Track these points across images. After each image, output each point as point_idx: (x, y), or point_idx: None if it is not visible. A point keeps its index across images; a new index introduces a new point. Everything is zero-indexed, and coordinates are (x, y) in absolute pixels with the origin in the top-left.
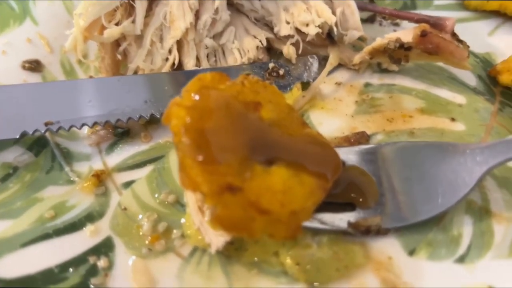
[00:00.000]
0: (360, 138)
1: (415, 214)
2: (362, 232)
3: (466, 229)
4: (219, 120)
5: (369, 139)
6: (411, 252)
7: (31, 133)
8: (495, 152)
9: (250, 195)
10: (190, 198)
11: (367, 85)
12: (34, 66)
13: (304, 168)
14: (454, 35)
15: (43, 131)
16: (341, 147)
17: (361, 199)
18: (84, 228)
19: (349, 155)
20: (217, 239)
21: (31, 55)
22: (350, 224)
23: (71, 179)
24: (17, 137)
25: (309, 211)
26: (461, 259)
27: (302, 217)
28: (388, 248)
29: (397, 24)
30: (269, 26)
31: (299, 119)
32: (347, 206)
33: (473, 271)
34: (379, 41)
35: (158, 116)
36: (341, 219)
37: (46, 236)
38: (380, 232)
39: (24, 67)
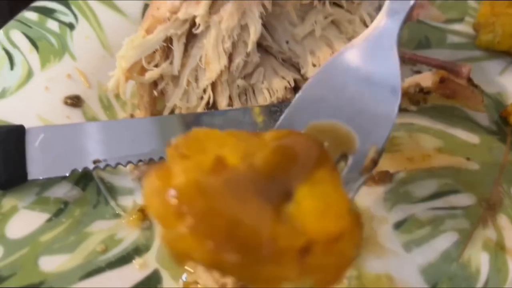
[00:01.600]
0: (384, 177)
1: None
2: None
3: (483, 265)
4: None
5: (392, 178)
6: (434, 286)
7: (80, 170)
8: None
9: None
10: (205, 277)
11: None
12: (75, 101)
13: (313, 170)
14: (469, 80)
15: (91, 169)
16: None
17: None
18: (133, 261)
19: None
20: None
21: (71, 90)
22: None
23: (117, 212)
24: (67, 174)
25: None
26: None
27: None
28: (412, 282)
29: (414, 64)
30: (296, 67)
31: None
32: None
33: None
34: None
35: None
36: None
37: (100, 270)
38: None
39: (66, 103)
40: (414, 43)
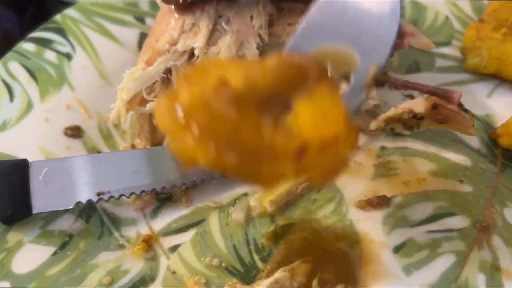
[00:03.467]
0: (382, 201)
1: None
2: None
3: (480, 285)
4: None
5: (389, 203)
6: None
7: (84, 202)
8: None
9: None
10: None
11: (382, 148)
12: (75, 132)
13: (313, 86)
14: (460, 105)
15: (95, 201)
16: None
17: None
18: None
19: None
20: None
21: (71, 121)
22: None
23: (121, 243)
24: (72, 207)
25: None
26: None
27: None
28: None
29: (397, 88)
30: None
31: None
32: None
33: None
34: (393, 111)
35: (198, 183)
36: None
37: None
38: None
39: (66, 134)
40: (405, 68)
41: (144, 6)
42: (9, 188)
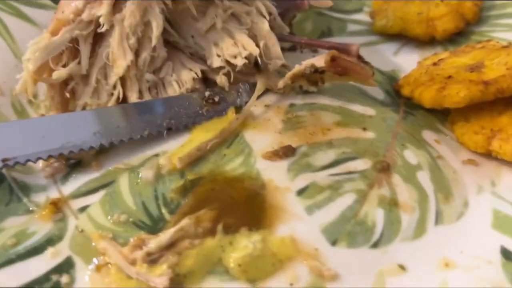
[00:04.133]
0: (287, 151)
1: None
2: None
3: (378, 219)
4: None
5: (295, 152)
6: (334, 243)
7: None
8: None
9: None
10: (115, 256)
11: (291, 105)
12: None
13: None
14: (359, 57)
15: (0, 167)
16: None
17: None
18: (45, 251)
19: None
20: (160, 279)
21: None
22: None
23: (30, 209)
24: None
25: None
26: (375, 245)
27: None
28: (315, 241)
29: (316, 51)
30: (203, 60)
31: None
32: None
33: (385, 253)
34: (297, 68)
35: (106, 146)
36: None
37: (9, 261)
38: None
39: None
40: (317, 33)
41: None
42: None
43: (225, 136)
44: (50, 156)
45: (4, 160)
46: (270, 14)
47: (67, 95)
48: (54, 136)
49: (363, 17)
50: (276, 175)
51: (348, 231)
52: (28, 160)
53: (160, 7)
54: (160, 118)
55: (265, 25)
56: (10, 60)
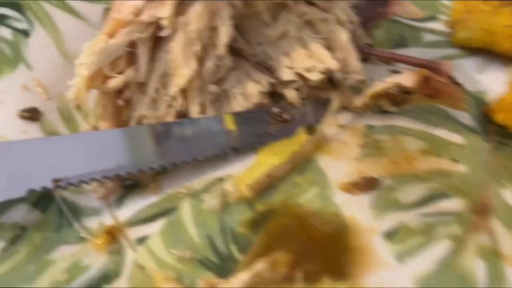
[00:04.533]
0: (369, 184)
1: None
2: None
3: (480, 273)
4: None
5: (378, 184)
6: None
7: (38, 190)
8: None
9: None
10: None
11: (369, 127)
12: (32, 115)
13: None
14: (450, 78)
15: (51, 187)
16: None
17: None
18: None
19: None
20: None
21: (28, 103)
22: None
23: (82, 236)
24: (24, 195)
25: None
26: None
27: None
28: None
29: (390, 63)
30: (269, 70)
31: None
32: None
33: None
34: (380, 86)
35: (168, 167)
36: None
37: None
38: None
39: (22, 117)
40: (391, 43)
41: None
42: None
43: (297, 161)
44: (105, 177)
45: (55, 181)
46: (350, 23)
47: (121, 103)
48: (110, 153)
49: (439, 26)
50: (358, 212)
51: (446, 285)
52: (82, 181)
53: (230, 11)
54: (222, 136)
55: (344, 36)
56: (57, 59)
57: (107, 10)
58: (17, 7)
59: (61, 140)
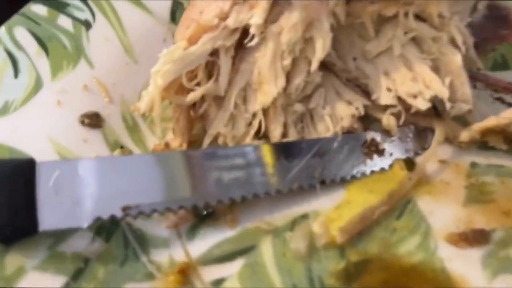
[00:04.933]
0: (479, 237)
1: None
2: None
3: None
4: None
5: (489, 238)
6: None
7: (105, 219)
8: None
9: None
10: None
11: (473, 165)
12: (93, 121)
13: None
14: None
15: (119, 217)
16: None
17: None
18: None
19: None
20: None
21: (88, 106)
22: None
23: (150, 271)
24: (90, 224)
25: None
26: None
27: None
28: None
29: (495, 90)
30: (361, 88)
31: None
32: None
33: None
34: (494, 121)
35: (250, 199)
36: None
37: None
38: None
39: (83, 123)
40: (489, 63)
41: None
42: (11, 197)
43: (395, 201)
44: (182, 207)
45: (125, 209)
46: (464, 44)
47: (195, 116)
48: (186, 179)
49: None
50: (467, 270)
51: None
52: (155, 211)
53: (331, 22)
54: (311, 167)
55: (457, 59)
56: (120, 57)
57: (176, 4)
58: None
59: (130, 160)
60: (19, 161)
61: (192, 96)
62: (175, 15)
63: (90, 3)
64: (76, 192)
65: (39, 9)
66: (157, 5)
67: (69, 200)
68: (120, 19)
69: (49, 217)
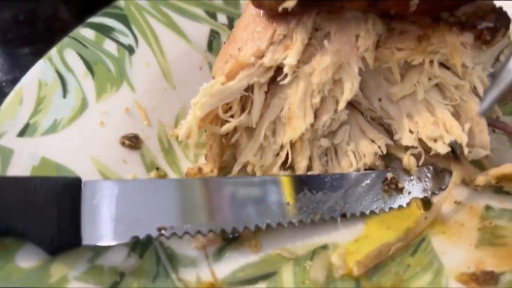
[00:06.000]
0: (488, 278)
1: None
2: None
3: None
4: None
5: (497, 280)
6: None
7: (142, 238)
8: None
9: None
10: None
11: (488, 208)
12: (133, 143)
13: None
14: None
15: (154, 236)
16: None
17: None
18: None
19: None
20: None
21: (128, 128)
22: None
23: None
24: (127, 241)
25: None
26: None
27: None
28: None
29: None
30: (384, 127)
31: None
32: None
33: None
34: (511, 168)
35: (274, 227)
36: None
37: None
38: None
39: (123, 144)
40: (508, 109)
41: None
42: (59, 213)
43: (410, 239)
44: (211, 231)
45: (160, 229)
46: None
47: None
48: (216, 205)
49: None
50: None
51: None
52: (186, 233)
53: (360, 66)
54: (333, 200)
55: (477, 107)
56: (159, 82)
57: (212, 33)
58: (124, 20)
59: (167, 184)
60: (67, 179)
61: (226, 127)
62: (211, 44)
63: (134, 28)
64: (116, 210)
65: (88, 33)
66: (195, 33)
67: (110, 218)
68: (161, 45)
69: (91, 233)
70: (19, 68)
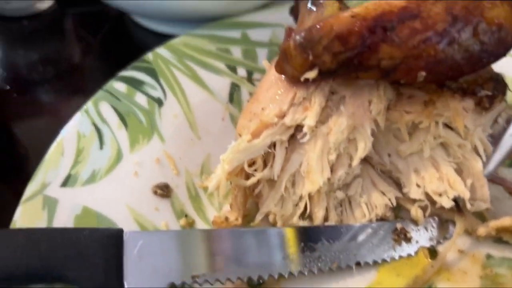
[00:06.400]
0: None
1: None
2: None
3: None
4: None
5: None
6: None
7: (178, 285)
8: None
9: None
10: None
11: (488, 257)
12: (164, 192)
13: None
14: None
15: (189, 283)
16: None
17: None
18: None
19: None
20: None
21: (159, 177)
22: None
23: None
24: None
25: None
26: None
27: None
28: None
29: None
30: (393, 180)
31: None
32: None
33: None
34: (509, 221)
35: (295, 276)
36: None
37: None
38: None
39: (155, 193)
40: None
41: (237, 53)
42: (105, 261)
43: (418, 286)
44: (239, 279)
45: (193, 277)
46: (485, 151)
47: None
48: (244, 253)
49: None
50: None
51: None
52: (217, 280)
53: (372, 127)
54: (349, 249)
55: (477, 165)
56: (186, 132)
57: (233, 85)
58: (153, 73)
59: (200, 234)
60: (111, 230)
61: (251, 181)
62: (232, 96)
63: (162, 82)
64: (155, 260)
65: (120, 86)
66: (217, 86)
67: (150, 267)
68: (187, 97)
69: (133, 280)
70: None
